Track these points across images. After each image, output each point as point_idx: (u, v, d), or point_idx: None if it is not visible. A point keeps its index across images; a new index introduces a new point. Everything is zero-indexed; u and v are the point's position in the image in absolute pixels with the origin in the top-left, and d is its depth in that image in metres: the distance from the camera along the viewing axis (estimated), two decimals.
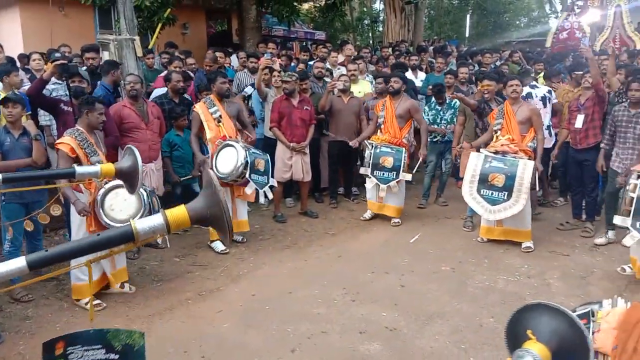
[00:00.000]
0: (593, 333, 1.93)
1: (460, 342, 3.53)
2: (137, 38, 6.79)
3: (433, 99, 6.89)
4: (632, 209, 4.17)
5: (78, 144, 3.92)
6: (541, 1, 34.34)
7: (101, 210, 3.88)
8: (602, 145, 5.23)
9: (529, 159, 4.99)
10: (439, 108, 6.67)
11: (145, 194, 3.93)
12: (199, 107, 5.12)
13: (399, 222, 6.00)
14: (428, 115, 6.67)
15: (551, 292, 4.27)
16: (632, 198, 4.16)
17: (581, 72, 5.75)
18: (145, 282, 4.54)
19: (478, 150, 5.29)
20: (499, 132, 5.25)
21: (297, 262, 4.98)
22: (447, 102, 6.62)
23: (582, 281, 4.50)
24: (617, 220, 4.36)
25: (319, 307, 4.04)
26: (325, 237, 5.70)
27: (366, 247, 5.38)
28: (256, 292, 4.31)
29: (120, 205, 3.91)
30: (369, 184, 5.95)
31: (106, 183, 3.90)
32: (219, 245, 5.17)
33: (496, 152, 5.07)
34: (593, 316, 2.01)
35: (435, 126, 6.61)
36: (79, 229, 4.05)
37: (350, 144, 6.12)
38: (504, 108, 5.27)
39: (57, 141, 4.02)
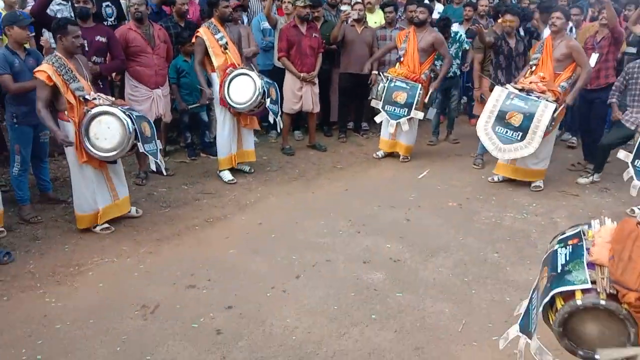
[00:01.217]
0: (588, 249, 1.99)
1: (463, 275, 3.56)
2: None
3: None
4: (635, 148, 4.26)
5: (55, 70, 3.71)
6: None
7: (86, 140, 3.79)
8: (611, 100, 5.04)
9: (554, 101, 4.76)
10: (464, 38, 6.44)
11: (129, 120, 3.83)
12: (203, 33, 4.86)
13: (408, 158, 5.94)
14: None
15: (558, 230, 4.22)
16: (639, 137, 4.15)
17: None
18: (153, 208, 4.58)
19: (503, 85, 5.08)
20: (534, 68, 5.01)
21: (304, 193, 4.98)
22: (452, 35, 6.32)
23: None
24: (621, 155, 4.43)
25: (324, 237, 4.07)
26: (333, 170, 5.67)
27: (374, 182, 5.36)
28: (263, 221, 4.34)
29: (105, 134, 3.81)
30: (379, 118, 5.81)
31: (88, 111, 3.79)
32: (226, 175, 5.17)
33: (522, 90, 4.84)
34: (584, 235, 2.04)
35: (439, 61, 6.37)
36: (74, 165, 3.98)
37: (365, 68, 5.96)
38: (545, 42, 5.03)
39: (35, 69, 3.80)
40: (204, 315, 3.05)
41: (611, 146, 5.05)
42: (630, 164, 4.35)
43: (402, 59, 5.69)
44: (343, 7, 6.39)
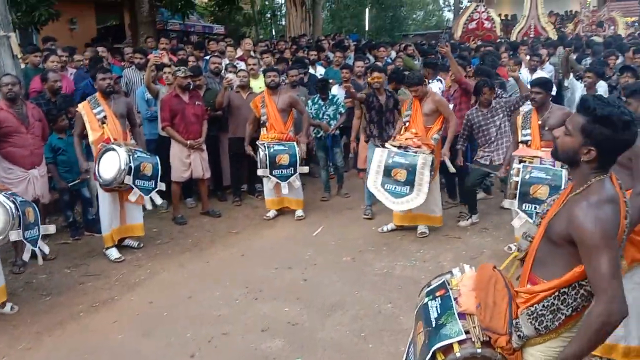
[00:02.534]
0: (455, 299, 2.08)
1: (360, 331, 3.61)
2: (12, 35, 6.23)
3: (317, 93, 6.93)
4: (517, 192, 4.48)
5: None
6: None
7: None
8: (458, 147, 5.60)
9: (430, 153, 5.10)
10: (322, 103, 6.68)
11: (12, 205, 3.61)
12: (81, 107, 4.79)
13: (302, 215, 6.03)
14: (311, 109, 6.68)
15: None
16: (517, 182, 4.48)
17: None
18: (32, 298, 4.22)
19: (383, 145, 5.38)
20: (407, 124, 5.36)
21: (198, 264, 4.85)
22: (330, 97, 6.66)
23: (473, 261, 4.75)
24: (506, 203, 4.70)
25: (220, 308, 3.96)
26: (228, 236, 5.60)
27: (270, 243, 5.36)
28: (154, 300, 4.14)
29: None
30: (269, 184, 5.89)
31: None
32: (113, 253, 4.91)
33: (399, 147, 5.17)
34: (449, 284, 2.16)
35: (318, 120, 6.66)
36: None
37: (248, 152, 6.06)
38: (412, 101, 5.39)
39: None
40: None
41: (475, 186, 5.59)
42: (519, 210, 4.48)
43: (266, 123, 5.89)
44: (228, 75, 6.49)
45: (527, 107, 5.29)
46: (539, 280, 1.94)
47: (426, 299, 2.17)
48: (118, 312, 3.98)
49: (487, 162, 5.43)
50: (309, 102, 6.83)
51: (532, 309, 1.90)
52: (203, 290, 4.26)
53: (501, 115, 5.40)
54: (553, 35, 13.36)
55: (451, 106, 5.73)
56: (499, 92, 5.97)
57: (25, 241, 3.79)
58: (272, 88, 5.89)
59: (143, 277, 4.57)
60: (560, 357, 1.82)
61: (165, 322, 3.79)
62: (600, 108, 1.77)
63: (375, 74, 5.69)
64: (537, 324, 1.89)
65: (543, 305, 1.88)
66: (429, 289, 2.24)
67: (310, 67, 8.30)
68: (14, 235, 3.69)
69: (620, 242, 1.81)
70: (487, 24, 13.54)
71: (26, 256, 3.90)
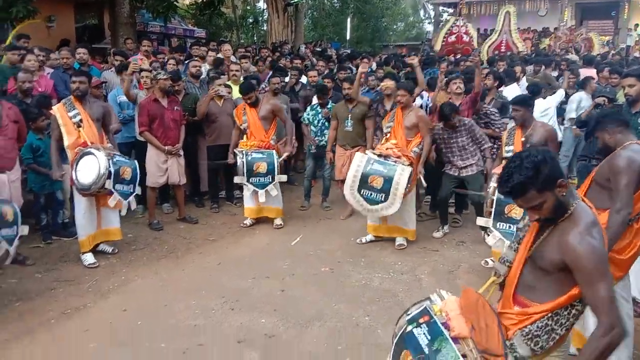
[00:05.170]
0: (443, 323, 2.06)
1: (337, 344, 3.59)
2: None
3: (315, 99, 6.93)
4: (493, 210, 4.54)
5: None
6: (416, 7, 36.51)
7: None
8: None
9: (409, 165, 5.13)
10: (320, 110, 6.70)
11: None
12: (56, 110, 4.67)
13: (281, 224, 6.00)
14: (309, 114, 6.71)
15: (422, 287, 4.50)
16: (493, 200, 4.53)
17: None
18: (1, 303, 4.08)
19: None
20: (388, 135, 5.39)
21: (173, 272, 4.77)
22: (328, 107, 6.62)
23: (450, 275, 4.80)
24: (481, 221, 4.75)
25: (196, 318, 3.90)
26: (205, 243, 5.53)
27: (248, 252, 5.30)
28: (127, 307, 4.05)
29: None
30: (247, 191, 5.86)
31: None
32: (88, 258, 4.80)
33: (380, 155, 5.19)
34: (431, 310, 2.13)
35: (312, 127, 6.67)
36: None
37: (228, 161, 6.02)
38: (395, 112, 5.43)
39: None
40: None
41: (448, 197, 5.69)
42: (493, 229, 4.54)
43: (247, 131, 5.91)
44: (218, 87, 6.38)
45: (512, 123, 5.36)
46: (530, 303, 1.97)
47: (410, 327, 2.12)
48: (90, 320, 3.88)
49: (456, 174, 5.50)
50: (308, 108, 6.82)
51: (527, 330, 1.93)
52: (178, 300, 4.19)
53: (464, 137, 5.42)
54: (524, 50, 13.63)
55: None
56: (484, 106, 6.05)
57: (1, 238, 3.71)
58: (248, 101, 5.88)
59: (117, 284, 4.47)
60: None
61: (138, 331, 3.71)
62: (525, 176, 1.87)
63: (387, 81, 5.63)
64: (532, 344, 1.93)
65: (537, 326, 1.92)
66: (409, 316, 2.18)
67: (303, 75, 8.28)
68: None
69: None
70: (465, 38, 13.74)
71: None
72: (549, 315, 1.91)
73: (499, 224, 4.50)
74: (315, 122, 6.67)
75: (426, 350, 2.01)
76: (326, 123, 6.59)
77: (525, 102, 4.83)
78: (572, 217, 1.89)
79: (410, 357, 2.05)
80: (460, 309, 2.09)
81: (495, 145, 5.78)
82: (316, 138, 6.65)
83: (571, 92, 7.57)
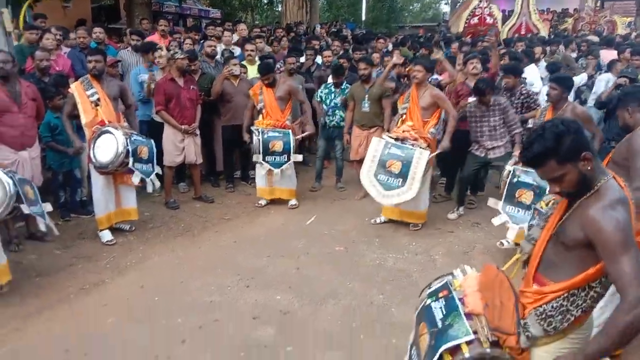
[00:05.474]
0: (460, 299, 2.07)
1: (352, 321, 3.61)
2: (5, 10, 6.10)
3: (330, 79, 6.88)
4: (504, 193, 4.56)
5: None
6: None
7: None
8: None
9: (427, 147, 5.07)
10: (334, 90, 6.60)
11: (10, 182, 3.58)
12: (74, 88, 4.69)
13: (296, 204, 6.01)
14: (322, 92, 6.65)
15: (436, 267, 4.50)
16: (506, 182, 4.54)
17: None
18: (22, 278, 4.16)
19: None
20: (404, 116, 5.31)
21: (190, 250, 4.82)
22: (342, 88, 6.55)
23: (465, 256, 4.79)
24: (491, 202, 4.77)
25: (212, 295, 3.95)
26: (220, 222, 5.57)
27: (262, 232, 5.33)
28: (144, 284, 4.12)
29: None
30: (261, 170, 5.86)
31: None
32: (106, 235, 4.87)
33: (397, 139, 5.13)
34: (451, 285, 2.14)
35: (324, 106, 6.61)
36: None
37: (245, 138, 6.00)
38: (410, 93, 5.34)
39: None
40: None
41: (470, 177, 5.59)
42: (502, 211, 4.60)
43: (263, 110, 5.90)
44: (232, 67, 6.34)
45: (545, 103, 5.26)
46: (547, 282, 1.93)
47: (429, 300, 2.14)
48: (108, 295, 3.95)
49: (482, 155, 5.41)
50: (322, 86, 6.77)
51: (541, 309, 1.90)
52: (195, 277, 4.24)
53: (497, 116, 5.30)
54: (544, 33, 13.34)
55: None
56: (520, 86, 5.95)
57: (34, 214, 3.88)
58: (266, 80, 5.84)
59: (134, 261, 4.53)
60: (582, 355, 1.76)
61: (155, 307, 3.77)
62: (544, 147, 1.83)
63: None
64: (545, 324, 1.89)
65: (552, 306, 1.88)
66: (430, 290, 2.21)
67: (318, 55, 8.21)
68: (25, 209, 3.74)
69: None
70: (489, 20, 13.46)
71: (42, 226, 4.00)
72: (565, 295, 1.86)
73: (508, 207, 4.55)
74: (327, 101, 6.60)
75: (439, 324, 2.02)
76: (339, 104, 6.55)
77: (564, 82, 4.68)
78: (598, 193, 1.81)
79: (425, 330, 2.06)
80: (478, 285, 2.08)
81: (525, 133, 5.66)
82: (327, 117, 6.61)
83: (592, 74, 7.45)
